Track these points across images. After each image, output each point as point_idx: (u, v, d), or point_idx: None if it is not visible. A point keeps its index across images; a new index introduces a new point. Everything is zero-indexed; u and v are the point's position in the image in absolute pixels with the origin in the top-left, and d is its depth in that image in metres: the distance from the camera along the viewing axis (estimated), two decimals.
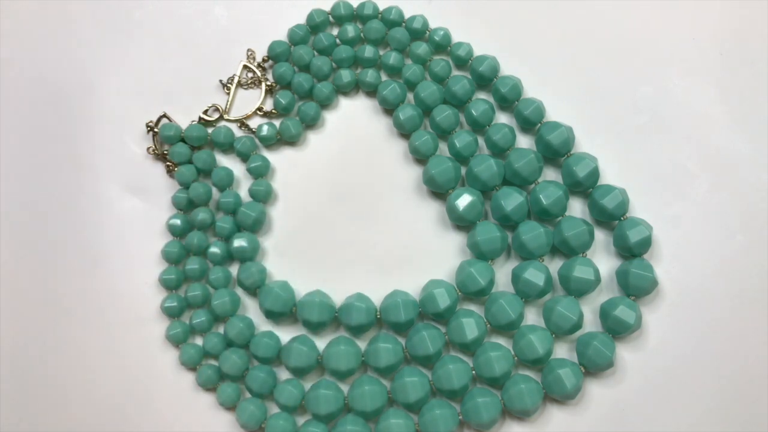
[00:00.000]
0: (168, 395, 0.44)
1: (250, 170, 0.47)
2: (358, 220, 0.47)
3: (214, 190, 0.47)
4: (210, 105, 0.48)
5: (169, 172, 0.47)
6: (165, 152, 0.47)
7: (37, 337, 0.45)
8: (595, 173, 0.43)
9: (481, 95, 0.48)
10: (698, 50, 0.47)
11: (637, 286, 0.42)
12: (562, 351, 0.43)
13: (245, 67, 0.49)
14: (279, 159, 0.48)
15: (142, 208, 0.47)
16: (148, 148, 0.47)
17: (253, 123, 0.48)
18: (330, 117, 0.49)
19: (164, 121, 0.48)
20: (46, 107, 0.49)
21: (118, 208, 0.47)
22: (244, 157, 0.48)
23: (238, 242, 0.45)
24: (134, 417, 0.44)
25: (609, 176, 0.45)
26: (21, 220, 0.47)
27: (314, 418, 0.42)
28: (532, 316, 0.44)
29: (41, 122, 0.49)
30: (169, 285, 0.45)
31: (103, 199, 0.47)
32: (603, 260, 0.44)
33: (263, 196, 0.46)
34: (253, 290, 0.45)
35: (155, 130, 0.47)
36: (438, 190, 0.45)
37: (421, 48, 0.48)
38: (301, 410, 0.43)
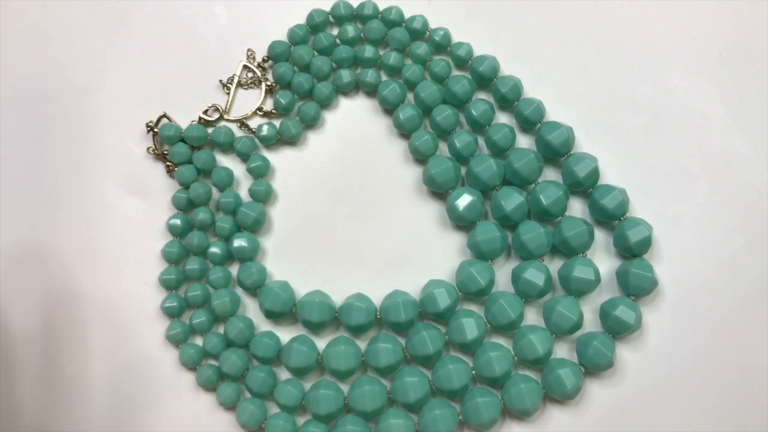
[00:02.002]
0: (168, 395, 0.44)
1: (250, 170, 0.47)
2: (358, 220, 0.47)
3: (214, 190, 0.47)
4: (210, 105, 0.48)
5: (169, 172, 0.47)
6: (165, 152, 0.47)
7: (37, 337, 0.45)
8: (595, 173, 0.43)
9: (481, 95, 0.48)
10: (698, 50, 0.47)
11: (637, 286, 0.42)
12: (562, 351, 0.43)
13: (245, 67, 0.49)
14: (279, 159, 0.48)
15: (142, 208, 0.47)
16: (148, 148, 0.47)
17: (253, 123, 0.48)
18: (330, 117, 0.49)
19: (164, 121, 0.48)
20: (47, 107, 0.49)
21: (118, 208, 0.47)
22: (244, 157, 0.48)
23: (238, 242, 0.45)
24: (134, 417, 0.44)
25: (609, 176, 0.45)
26: (21, 220, 0.47)
27: (314, 418, 0.42)
28: (532, 316, 0.44)
29: (41, 122, 0.49)
30: (169, 285, 0.45)
31: (103, 199, 0.47)
32: (603, 260, 0.44)
33: (263, 196, 0.46)
34: (253, 290, 0.45)
35: (155, 130, 0.48)
36: (438, 190, 0.45)
37: (421, 48, 0.48)
38: (301, 410, 0.43)
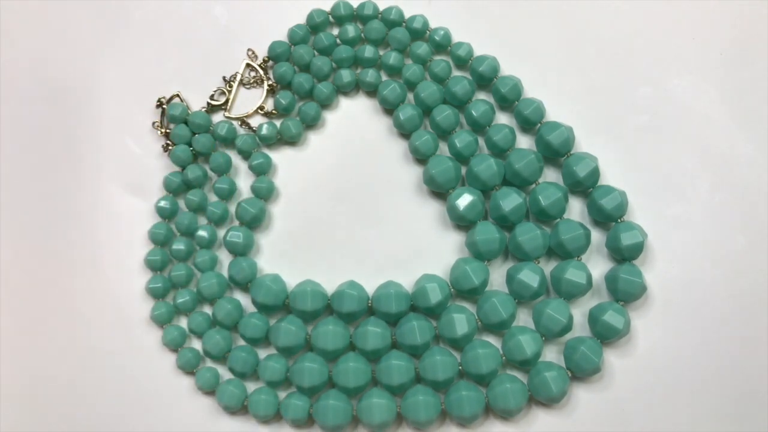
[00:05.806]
0: (166, 400, 0.45)
1: (252, 167, 0.48)
2: (358, 219, 0.47)
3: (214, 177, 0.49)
4: (216, 89, 0.49)
5: (166, 150, 0.48)
6: (169, 130, 0.48)
7: (36, 336, 0.46)
8: (595, 173, 0.44)
9: (481, 95, 0.48)
10: (698, 50, 0.48)
11: (625, 292, 0.42)
12: (552, 354, 0.44)
13: (248, 65, 0.50)
14: (279, 159, 0.49)
15: (142, 208, 0.48)
16: (154, 123, 0.48)
17: (254, 122, 0.49)
18: (330, 117, 0.50)
19: (176, 100, 0.49)
20: (46, 107, 0.50)
21: (118, 208, 0.48)
22: (246, 155, 0.48)
23: (233, 236, 0.46)
24: (134, 418, 0.45)
25: (609, 176, 0.46)
26: (21, 220, 0.48)
27: (298, 390, 0.43)
28: (526, 318, 0.44)
29: (41, 122, 0.50)
30: (160, 293, 0.46)
31: (103, 199, 0.48)
32: (599, 263, 0.45)
33: (265, 193, 0.47)
34: (244, 285, 0.46)
35: (164, 106, 0.49)
36: (438, 190, 0.46)
37: (422, 48, 0.48)
38: (283, 386, 0.44)
